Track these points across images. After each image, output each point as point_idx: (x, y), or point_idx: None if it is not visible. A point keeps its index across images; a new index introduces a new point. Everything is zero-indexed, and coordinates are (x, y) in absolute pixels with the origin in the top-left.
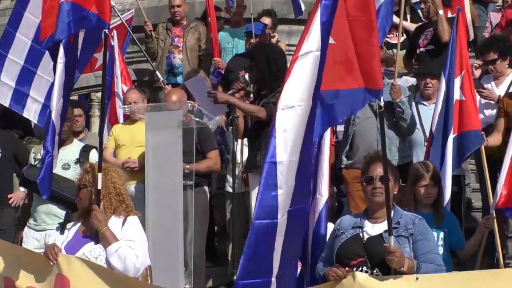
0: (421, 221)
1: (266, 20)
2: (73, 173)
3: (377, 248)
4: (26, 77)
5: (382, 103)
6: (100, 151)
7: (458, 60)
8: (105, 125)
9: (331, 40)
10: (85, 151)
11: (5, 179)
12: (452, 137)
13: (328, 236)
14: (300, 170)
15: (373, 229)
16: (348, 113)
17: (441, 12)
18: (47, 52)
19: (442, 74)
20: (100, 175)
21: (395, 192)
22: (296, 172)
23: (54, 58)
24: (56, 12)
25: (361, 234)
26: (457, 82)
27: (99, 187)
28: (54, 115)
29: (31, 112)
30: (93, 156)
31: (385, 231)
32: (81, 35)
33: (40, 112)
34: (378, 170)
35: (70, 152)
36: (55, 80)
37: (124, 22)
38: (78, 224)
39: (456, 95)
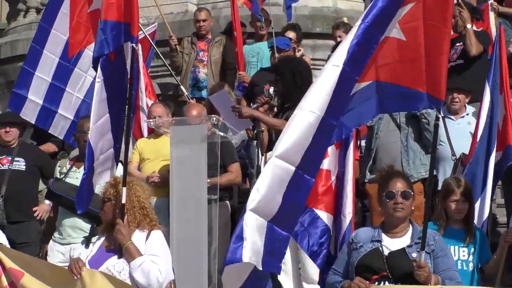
0: (440, 238)
1: (291, 34)
2: (98, 187)
3: (399, 263)
4: (54, 94)
5: (441, 115)
6: (125, 165)
7: (503, 76)
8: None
9: (402, 37)
10: None
11: (30, 191)
12: (494, 155)
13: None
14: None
15: (392, 243)
16: (401, 109)
17: (468, 26)
18: (76, 69)
19: (487, 89)
20: (124, 189)
21: (413, 208)
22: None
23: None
24: (84, 29)
25: (380, 248)
26: (501, 98)
27: (123, 201)
28: (93, 134)
29: (57, 129)
30: (119, 170)
31: (408, 246)
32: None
33: (69, 129)
34: (399, 185)
35: None
36: (93, 100)
37: (148, 36)
38: (102, 238)
39: (502, 110)
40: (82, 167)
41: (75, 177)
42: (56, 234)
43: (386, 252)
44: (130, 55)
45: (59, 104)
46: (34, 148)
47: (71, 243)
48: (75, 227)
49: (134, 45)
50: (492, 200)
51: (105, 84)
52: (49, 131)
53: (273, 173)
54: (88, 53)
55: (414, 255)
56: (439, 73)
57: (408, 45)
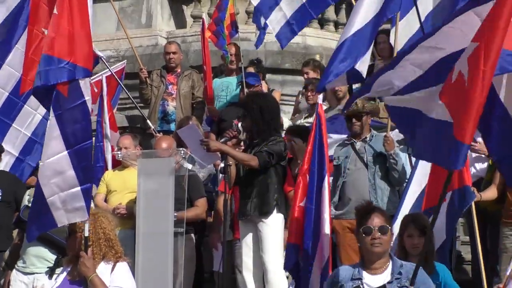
0: (421, 271)
1: (251, 70)
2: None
3: None
4: None
5: None
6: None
7: None
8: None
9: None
10: None
11: (5, 220)
12: (449, 194)
13: None
14: None
15: (373, 280)
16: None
17: None
18: (26, 106)
19: None
20: (87, 221)
21: (391, 244)
22: None
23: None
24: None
25: (361, 286)
26: None
27: (86, 233)
28: (43, 170)
29: (1, 164)
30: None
31: (388, 282)
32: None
33: (13, 166)
34: (376, 220)
35: None
36: (46, 134)
37: (114, 74)
38: (67, 270)
39: None
40: None
41: None
42: (19, 263)
43: None
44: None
45: (3, 138)
46: (9, 175)
47: (34, 272)
48: (40, 256)
49: (90, 80)
50: (456, 237)
51: (58, 121)
52: None
53: None
54: None
55: None
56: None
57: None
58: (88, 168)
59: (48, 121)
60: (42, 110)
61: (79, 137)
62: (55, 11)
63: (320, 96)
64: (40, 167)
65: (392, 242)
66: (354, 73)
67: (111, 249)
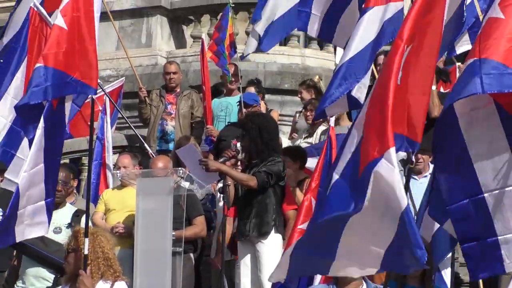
0: None
1: (251, 90)
2: (64, 237)
3: None
4: None
5: None
6: (87, 215)
7: None
8: (92, 190)
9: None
10: (77, 215)
11: None
12: None
13: None
14: None
15: None
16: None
17: (433, 87)
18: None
19: None
20: (86, 240)
21: None
22: None
23: (32, 121)
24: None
25: None
26: None
27: (86, 252)
28: (24, 181)
29: None
30: (82, 221)
31: None
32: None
33: None
34: None
35: (62, 215)
36: (31, 147)
37: (108, 95)
38: None
39: None
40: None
41: None
42: (19, 283)
43: None
44: (91, 106)
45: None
46: (10, 194)
47: None
48: (39, 276)
49: (93, 96)
50: (455, 259)
51: (45, 134)
52: None
53: None
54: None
55: None
56: (416, 115)
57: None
58: (55, 182)
59: (37, 131)
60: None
61: (56, 151)
62: (64, 26)
63: (332, 119)
64: (22, 178)
65: None
66: (353, 100)
67: (110, 268)
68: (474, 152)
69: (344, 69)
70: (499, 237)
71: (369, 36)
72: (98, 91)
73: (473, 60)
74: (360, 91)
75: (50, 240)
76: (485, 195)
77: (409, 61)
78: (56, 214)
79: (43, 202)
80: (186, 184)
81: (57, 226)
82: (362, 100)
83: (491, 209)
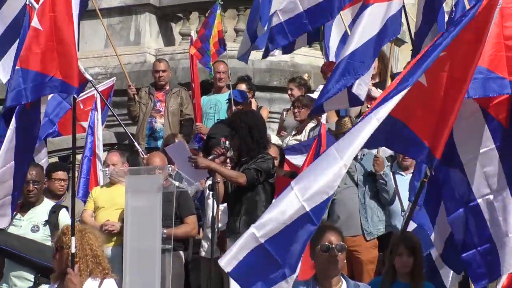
0: None
1: (242, 87)
2: (42, 235)
3: None
4: None
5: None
6: (72, 213)
7: None
8: (79, 187)
9: (424, 82)
10: (54, 211)
11: None
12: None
13: None
14: None
15: None
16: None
17: None
18: None
19: None
20: (73, 238)
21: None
22: None
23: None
24: None
25: None
26: None
27: (73, 250)
28: None
29: None
30: (62, 216)
31: None
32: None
33: None
34: (333, 239)
35: (39, 213)
36: (2, 146)
37: (100, 94)
38: (55, 286)
39: None
40: (27, 215)
41: (20, 225)
42: (3, 286)
43: None
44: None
45: None
46: None
47: None
48: (21, 276)
49: (75, 95)
50: None
51: (16, 132)
52: None
53: None
54: None
55: None
56: (442, 132)
57: (429, 92)
58: (24, 178)
59: (8, 131)
60: None
61: (28, 148)
62: (39, 27)
63: (324, 116)
64: None
65: None
66: (354, 97)
67: (98, 265)
68: (465, 159)
69: (343, 65)
70: (496, 243)
71: (371, 31)
72: (91, 89)
73: None
74: (360, 88)
75: (28, 240)
76: (479, 200)
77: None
78: (32, 212)
79: (9, 197)
80: (175, 182)
81: (34, 225)
82: (362, 97)
83: (485, 215)
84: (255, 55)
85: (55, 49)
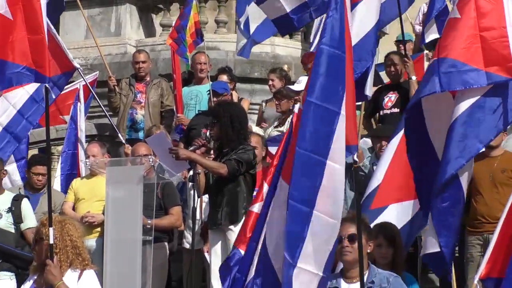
0: (396, 279)
1: (223, 78)
2: (5, 222)
3: None
4: None
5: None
6: (49, 204)
7: None
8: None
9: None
10: (17, 200)
11: None
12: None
13: None
14: None
15: None
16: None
17: (414, 77)
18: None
19: None
20: (51, 229)
21: (369, 251)
22: None
23: None
24: None
25: None
26: None
27: (51, 241)
28: None
29: None
30: (24, 205)
31: None
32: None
33: None
34: (348, 230)
35: (1, 201)
36: None
37: (88, 84)
38: (34, 278)
39: None
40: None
41: None
42: None
43: None
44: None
45: None
46: None
47: None
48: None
49: (47, 85)
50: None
51: None
52: None
53: None
54: None
55: None
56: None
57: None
58: None
59: None
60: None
61: None
62: (9, 16)
63: (297, 106)
64: None
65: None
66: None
67: (78, 256)
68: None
69: None
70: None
71: (370, 23)
72: (73, 83)
73: (433, 60)
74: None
75: None
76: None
77: None
78: None
79: None
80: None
81: None
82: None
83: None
84: (235, 46)
85: (28, 39)
